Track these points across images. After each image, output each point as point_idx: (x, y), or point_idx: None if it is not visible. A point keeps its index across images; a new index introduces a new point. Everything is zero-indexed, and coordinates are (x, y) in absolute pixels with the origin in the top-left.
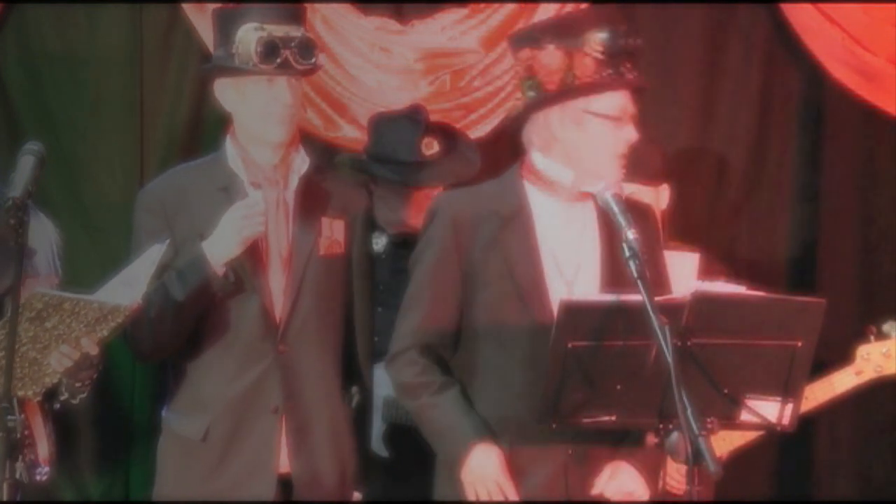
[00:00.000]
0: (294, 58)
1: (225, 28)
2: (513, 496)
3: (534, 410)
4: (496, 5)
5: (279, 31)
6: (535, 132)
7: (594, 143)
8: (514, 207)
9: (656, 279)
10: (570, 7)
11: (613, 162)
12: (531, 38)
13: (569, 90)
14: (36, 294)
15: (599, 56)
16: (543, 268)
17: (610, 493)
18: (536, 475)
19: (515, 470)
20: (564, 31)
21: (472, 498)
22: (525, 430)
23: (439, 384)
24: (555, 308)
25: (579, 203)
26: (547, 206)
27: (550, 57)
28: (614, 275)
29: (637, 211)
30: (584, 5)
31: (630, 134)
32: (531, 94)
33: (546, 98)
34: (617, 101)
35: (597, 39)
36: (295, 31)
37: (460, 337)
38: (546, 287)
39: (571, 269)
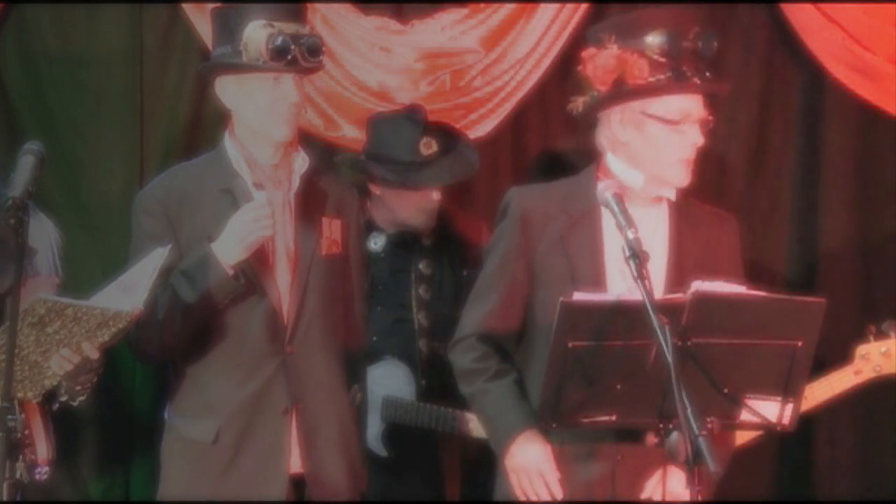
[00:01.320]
0: (302, 55)
1: (229, 26)
2: (555, 487)
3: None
4: (496, 5)
5: (289, 28)
6: (603, 134)
7: (654, 146)
8: (583, 208)
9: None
10: (570, 7)
11: (676, 166)
12: (596, 36)
13: (618, 93)
14: (38, 300)
15: (657, 58)
16: (605, 271)
17: (658, 497)
18: (583, 474)
19: (563, 467)
20: (626, 31)
21: (514, 485)
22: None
23: (495, 371)
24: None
25: (653, 207)
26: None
27: (605, 57)
28: (679, 281)
29: (717, 219)
30: (583, 6)
31: (695, 138)
32: (592, 93)
33: (599, 100)
34: (676, 105)
35: (655, 41)
36: (302, 29)
37: (523, 332)
38: (606, 290)
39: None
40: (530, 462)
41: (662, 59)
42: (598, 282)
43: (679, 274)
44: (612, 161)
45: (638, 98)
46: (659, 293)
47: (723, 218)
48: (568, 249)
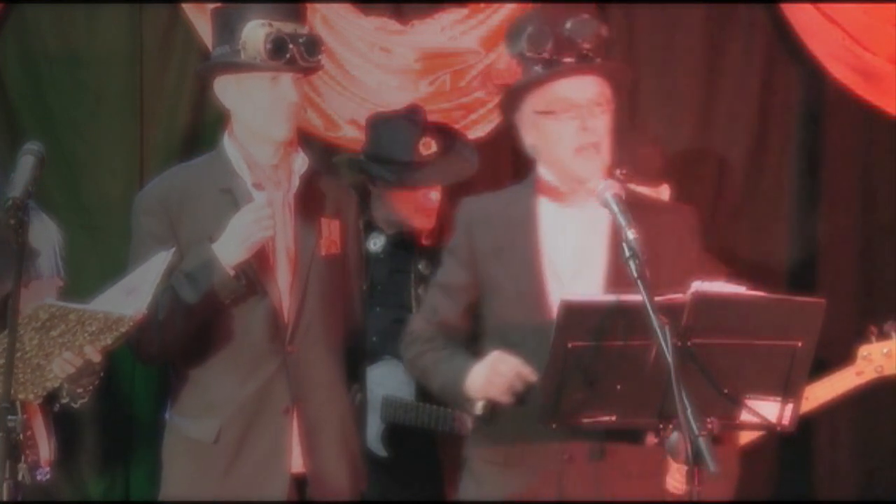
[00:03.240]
0: (301, 54)
1: (228, 25)
2: (523, 368)
3: (536, 412)
4: (496, 5)
5: (287, 27)
6: (522, 142)
7: (550, 142)
8: (521, 213)
9: (679, 277)
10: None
11: (576, 156)
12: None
13: (505, 98)
14: (42, 305)
15: (530, 54)
16: (544, 274)
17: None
18: (531, 475)
19: (513, 468)
20: (511, 37)
21: (494, 392)
22: (526, 432)
23: (444, 344)
24: (553, 313)
25: (589, 205)
26: (553, 211)
27: (488, 70)
28: (620, 277)
29: (666, 211)
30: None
31: (585, 123)
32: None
33: (501, 110)
34: (556, 94)
35: (525, 38)
36: (301, 28)
37: (475, 340)
38: (546, 293)
39: (570, 274)
40: (491, 363)
41: (534, 55)
42: (537, 285)
43: (621, 269)
44: (538, 166)
45: (517, 98)
46: (599, 289)
47: (674, 210)
48: (507, 254)
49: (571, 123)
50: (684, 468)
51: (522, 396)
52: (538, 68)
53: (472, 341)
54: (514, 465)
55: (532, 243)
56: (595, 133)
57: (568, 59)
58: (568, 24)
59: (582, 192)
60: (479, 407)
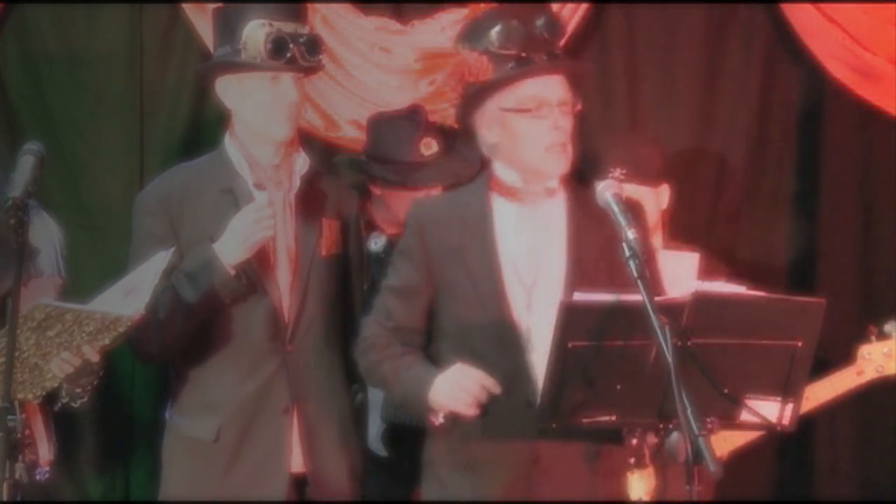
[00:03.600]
0: (301, 54)
1: (229, 25)
2: (486, 380)
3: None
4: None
5: (287, 27)
6: (479, 141)
7: (519, 140)
8: (476, 214)
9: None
10: (570, 7)
11: (545, 155)
12: (458, 43)
13: (471, 93)
14: (39, 305)
15: (500, 52)
16: (503, 275)
17: None
18: (497, 477)
19: (477, 470)
20: (473, 34)
21: (459, 406)
22: (486, 433)
23: (401, 351)
24: (515, 315)
25: (548, 201)
26: (509, 211)
27: (452, 65)
28: (580, 276)
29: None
30: (583, 6)
31: (556, 122)
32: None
33: (460, 105)
34: (527, 92)
35: (495, 35)
36: (301, 28)
37: (430, 343)
38: (506, 294)
39: (531, 275)
40: (455, 378)
41: (505, 52)
42: (496, 286)
43: (581, 268)
44: (495, 165)
45: (486, 95)
46: (557, 293)
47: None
48: (464, 255)
49: (543, 122)
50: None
51: (486, 407)
52: (510, 65)
53: (428, 344)
54: (480, 468)
55: (490, 243)
56: (564, 133)
57: (540, 57)
58: (539, 22)
59: (540, 192)
60: (440, 416)
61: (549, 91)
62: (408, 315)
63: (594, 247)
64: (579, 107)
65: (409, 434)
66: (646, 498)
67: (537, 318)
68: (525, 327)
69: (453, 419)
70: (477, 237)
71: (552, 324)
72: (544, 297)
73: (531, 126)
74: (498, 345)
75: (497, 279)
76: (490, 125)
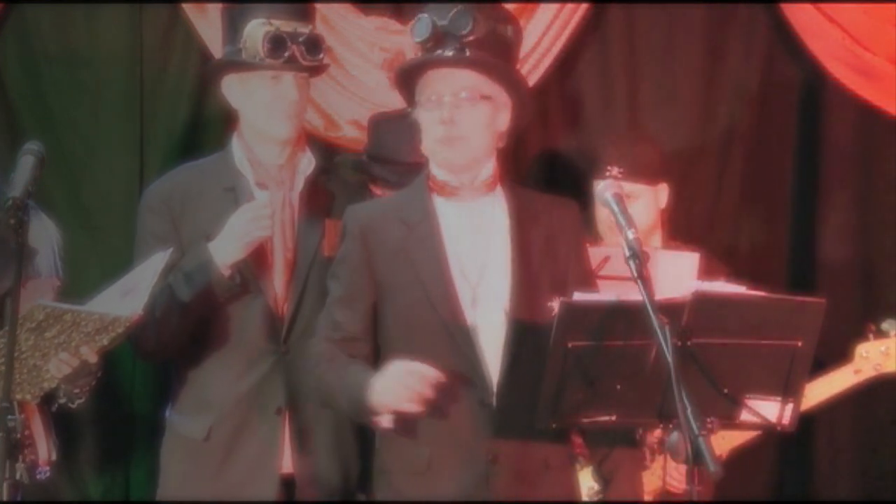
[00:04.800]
0: (301, 53)
1: (233, 24)
2: (429, 371)
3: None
4: None
5: (287, 26)
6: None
7: (424, 132)
8: (419, 214)
9: (583, 277)
10: (570, 7)
11: (438, 148)
12: None
13: (397, 87)
14: (37, 306)
15: (415, 44)
16: (451, 273)
17: None
18: (455, 480)
19: (435, 474)
20: (411, 28)
21: (405, 404)
22: (441, 435)
23: (347, 362)
24: (464, 313)
25: (487, 198)
26: (450, 210)
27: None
28: (525, 272)
29: (556, 205)
30: (583, 6)
31: (444, 115)
32: None
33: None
34: (428, 86)
35: (413, 29)
36: (303, 28)
37: (376, 347)
38: (455, 292)
39: (476, 272)
40: (397, 375)
41: (418, 46)
42: (445, 285)
43: (525, 265)
44: (430, 164)
45: (399, 89)
46: (503, 289)
47: (562, 204)
48: (411, 257)
49: (435, 114)
50: (683, 467)
51: (435, 402)
52: (417, 57)
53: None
54: (437, 472)
55: (436, 243)
56: (459, 126)
57: (446, 52)
58: (448, 16)
59: (474, 189)
60: (387, 419)
61: (444, 85)
62: (354, 322)
63: (537, 244)
64: (507, 98)
65: None
66: (647, 498)
67: (483, 316)
68: (472, 326)
69: (403, 421)
70: (422, 237)
71: (499, 322)
72: (490, 294)
73: (428, 118)
74: (450, 345)
75: (446, 279)
76: (419, 119)
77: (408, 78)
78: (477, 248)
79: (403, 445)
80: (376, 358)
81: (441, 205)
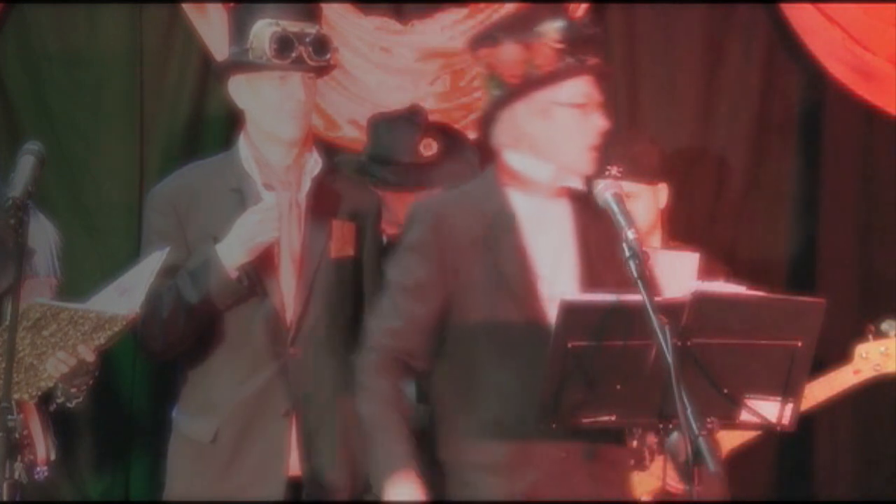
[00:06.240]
0: (308, 54)
1: (239, 25)
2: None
3: (534, 410)
4: (496, 5)
5: (294, 27)
6: (503, 131)
7: (563, 134)
8: (496, 208)
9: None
10: (569, 7)
11: (585, 153)
12: (488, 36)
13: (532, 81)
14: (34, 304)
15: (557, 45)
16: (534, 268)
17: None
18: (535, 475)
19: (514, 470)
20: (519, 26)
21: None
22: (525, 431)
23: (396, 397)
24: (546, 307)
25: (555, 201)
26: (525, 205)
27: (509, 51)
28: (590, 272)
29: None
30: (583, 5)
31: (598, 122)
32: (496, 92)
33: (511, 92)
34: (581, 89)
35: (553, 29)
36: (310, 28)
37: (444, 343)
38: (538, 287)
39: (549, 268)
40: (409, 493)
41: (562, 46)
42: (528, 279)
43: (590, 267)
44: (514, 157)
45: (549, 84)
46: (572, 287)
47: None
48: (491, 251)
49: (590, 120)
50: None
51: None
52: (569, 60)
53: (439, 346)
54: (511, 469)
55: (517, 235)
56: (600, 134)
57: (587, 55)
58: (584, 21)
59: (557, 189)
60: None
61: (594, 90)
62: (419, 315)
63: (600, 247)
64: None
65: None
66: (646, 498)
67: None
68: (550, 323)
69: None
70: (501, 230)
71: None
72: (561, 291)
73: (579, 122)
74: (529, 339)
75: (529, 272)
76: (532, 115)
77: (556, 78)
78: (548, 245)
79: (475, 438)
80: (444, 353)
81: (517, 198)
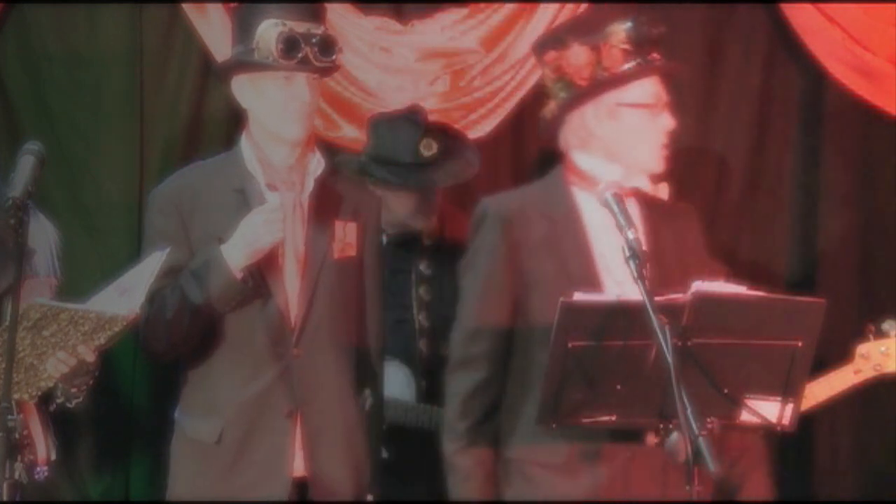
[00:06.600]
0: (314, 54)
1: (245, 24)
2: None
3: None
4: (496, 5)
5: (300, 27)
6: (571, 132)
7: (633, 135)
8: (562, 209)
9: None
10: (570, 7)
11: (654, 153)
12: (555, 39)
13: (600, 83)
14: (34, 304)
15: (625, 46)
16: (599, 271)
17: None
18: (595, 475)
19: (578, 469)
20: (587, 28)
21: None
22: (589, 430)
23: (473, 440)
24: None
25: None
26: (591, 204)
27: (577, 54)
28: (660, 270)
29: (681, 211)
30: (584, 6)
31: (667, 122)
32: (563, 94)
33: (579, 95)
34: (649, 90)
35: (621, 30)
36: (316, 29)
37: (515, 340)
38: (602, 288)
39: (619, 269)
40: None
41: (629, 47)
42: (592, 282)
43: (661, 269)
44: (583, 159)
45: (617, 86)
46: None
47: (685, 210)
48: (557, 251)
49: (659, 120)
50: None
51: None
52: (639, 60)
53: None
54: (575, 468)
55: (581, 236)
56: (668, 133)
57: (652, 55)
58: (647, 22)
59: (628, 189)
60: None
61: (661, 91)
62: (500, 314)
63: (670, 248)
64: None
65: (409, 434)
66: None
67: None
68: None
69: None
70: (567, 231)
71: None
72: (630, 293)
73: (648, 123)
74: None
75: (593, 273)
76: (601, 117)
77: (626, 79)
78: (616, 245)
79: (542, 437)
80: (511, 351)
81: (584, 199)
